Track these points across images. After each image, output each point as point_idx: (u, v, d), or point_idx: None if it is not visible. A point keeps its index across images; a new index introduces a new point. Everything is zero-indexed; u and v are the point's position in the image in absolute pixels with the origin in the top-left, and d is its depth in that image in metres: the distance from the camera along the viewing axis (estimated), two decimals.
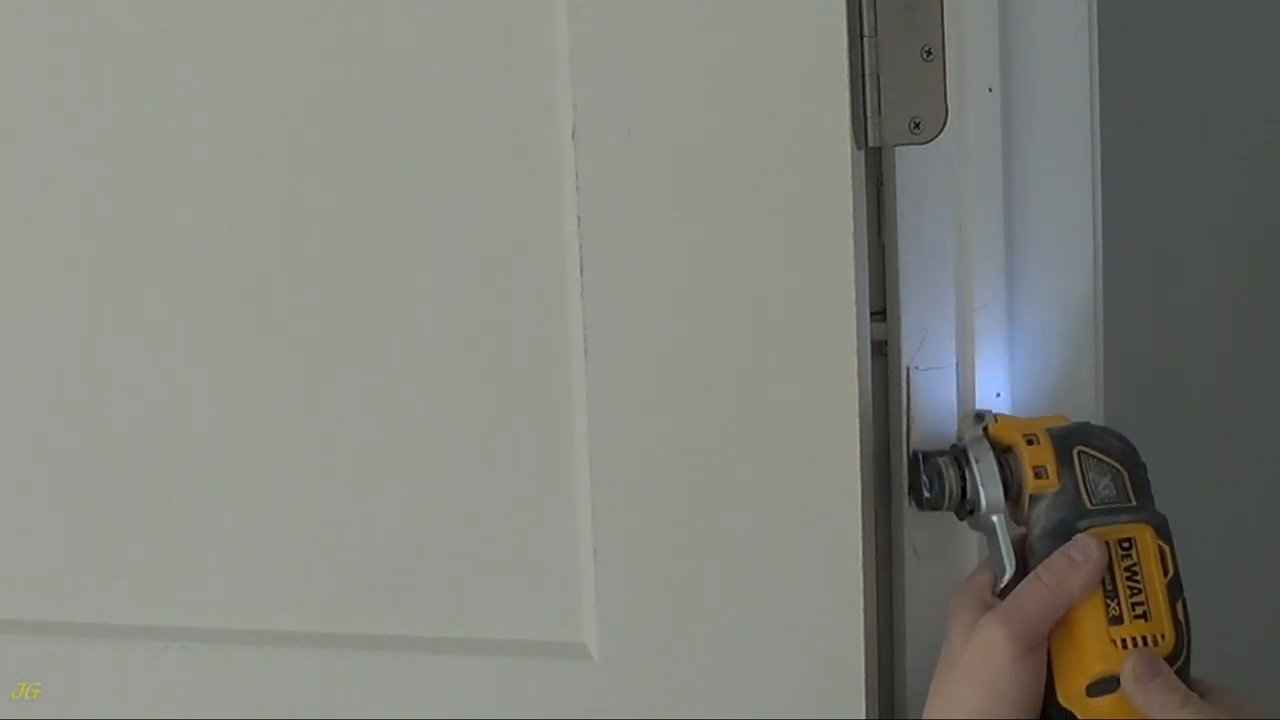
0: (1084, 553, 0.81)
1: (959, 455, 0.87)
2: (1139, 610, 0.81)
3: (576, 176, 0.86)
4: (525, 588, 0.93)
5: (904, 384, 0.91)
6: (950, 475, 0.86)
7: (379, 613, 0.95)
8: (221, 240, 0.94)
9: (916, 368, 0.91)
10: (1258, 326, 1.44)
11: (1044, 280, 0.92)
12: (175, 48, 0.92)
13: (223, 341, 0.95)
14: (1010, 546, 0.84)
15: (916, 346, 0.91)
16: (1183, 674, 0.80)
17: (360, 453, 0.94)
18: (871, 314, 0.91)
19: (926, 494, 0.87)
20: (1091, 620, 0.81)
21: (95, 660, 1.00)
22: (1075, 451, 0.84)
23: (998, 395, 0.92)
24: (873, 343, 0.91)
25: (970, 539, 0.92)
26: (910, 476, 0.91)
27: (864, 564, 0.87)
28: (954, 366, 0.92)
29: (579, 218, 0.87)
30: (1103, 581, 0.81)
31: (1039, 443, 0.85)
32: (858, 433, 0.86)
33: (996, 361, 0.92)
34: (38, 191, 0.96)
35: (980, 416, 0.87)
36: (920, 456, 0.89)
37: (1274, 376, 1.44)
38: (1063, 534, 0.82)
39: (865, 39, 0.84)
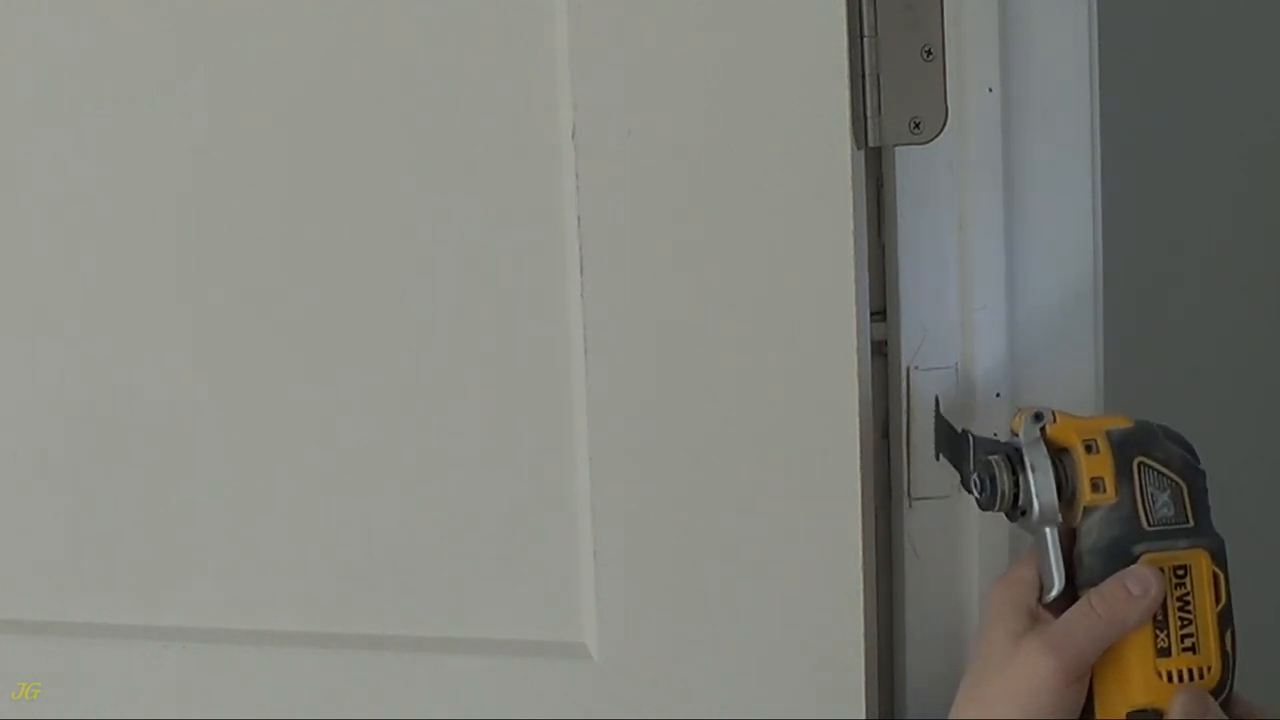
0: (1142, 586, 0.79)
1: (1013, 456, 0.82)
2: (1188, 643, 0.79)
3: (576, 176, 0.86)
4: (525, 588, 0.93)
5: (904, 384, 0.91)
6: (1004, 480, 0.82)
7: (379, 613, 0.95)
8: (221, 240, 0.94)
9: (916, 368, 0.91)
10: (1258, 327, 1.44)
11: (1044, 280, 0.92)
12: (175, 48, 0.92)
13: (223, 341, 0.95)
14: (1061, 559, 0.81)
15: (916, 346, 0.91)
16: (1225, 705, 0.80)
17: (360, 453, 0.94)
18: (871, 314, 0.91)
19: (977, 495, 0.84)
20: (1139, 650, 0.79)
21: (95, 660, 1.00)
22: (1136, 463, 0.81)
23: (997, 395, 0.92)
24: (873, 343, 0.91)
25: (971, 538, 0.92)
26: (951, 447, 0.88)
27: (864, 564, 0.87)
28: (954, 366, 0.91)
29: (579, 218, 0.87)
30: None
31: (1098, 451, 0.81)
32: (858, 433, 0.86)
33: (996, 361, 0.91)
34: (38, 191, 0.96)
35: (1039, 416, 0.82)
36: (970, 440, 0.85)
37: (1274, 376, 1.44)
38: (1116, 555, 0.80)
39: (865, 39, 0.84)
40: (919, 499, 0.92)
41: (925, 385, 0.91)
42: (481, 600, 0.94)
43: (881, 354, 0.93)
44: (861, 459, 0.86)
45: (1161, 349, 1.39)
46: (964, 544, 0.92)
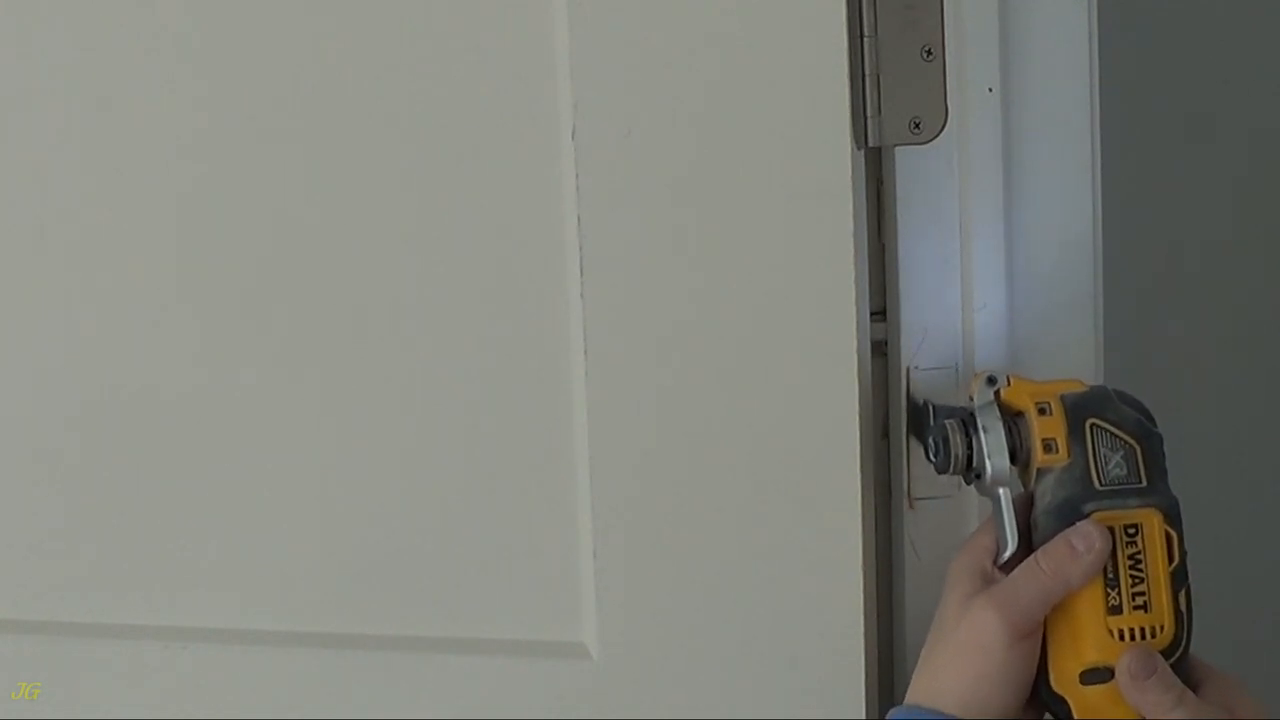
0: (1086, 542, 0.79)
1: (967, 420, 0.84)
2: (1139, 601, 0.80)
3: (576, 176, 0.86)
4: (525, 588, 0.93)
5: (904, 384, 0.91)
6: (956, 442, 0.83)
7: (379, 613, 0.95)
8: (221, 241, 0.94)
9: (916, 368, 0.91)
10: (1259, 325, 1.44)
11: (1044, 280, 0.92)
12: (175, 48, 0.92)
13: (223, 342, 0.95)
14: (1014, 521, 0.82)
15: (916, 346, 0.91)
16: (1180, 663, 0.80)
17: (360, 453, 0.94)
18: (871, 314, 0.91)
19: (932, 458, 0.86)
20: (1090, 608, 0.80)
21: (95, 660, 1.00)
22: (1088, 424, 0.82)
23: None
24: (873, 343, 0.91)
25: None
26: (916, 421, 0.89)
27: (864, 564, 0.87)
28: (954, 367, 0.91)
29: (579, 218, 0.87)
30: (1104, 568, 0.79)
31: (1051, 413, 0.82)
32: (858, 433, 0.86)
33: (996, 361, 0.91)
34: (37, 191, 0.96)
35: (992, 380, 0.84)
36: (930, 409, 0.87)
37: (1275, 377, 1.44)
38: (1067, 514, 0.81)
39: (865, 39, 0.84)
40: (919, 499, 0.92)
41: (925, 385, 0.91)
42: (481, 600, 0.94)
43: (881, 354, 0.93)
44: (861, 459, 0.86)
45: (1162, 348, 1.39)
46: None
